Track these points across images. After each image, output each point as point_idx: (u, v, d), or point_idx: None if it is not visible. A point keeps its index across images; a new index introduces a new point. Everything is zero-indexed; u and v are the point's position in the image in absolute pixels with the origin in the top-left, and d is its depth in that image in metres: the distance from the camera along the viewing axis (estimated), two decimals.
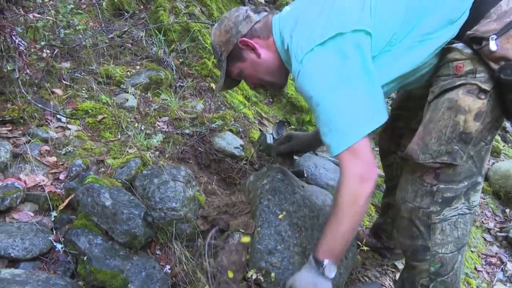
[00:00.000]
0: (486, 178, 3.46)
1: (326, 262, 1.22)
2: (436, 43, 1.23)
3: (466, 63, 1.19)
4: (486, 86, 1.17)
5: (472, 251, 2.64)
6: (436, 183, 1.27)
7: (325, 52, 1.18)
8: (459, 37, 1.21)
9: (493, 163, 3.68)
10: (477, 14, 1.18)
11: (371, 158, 1.20)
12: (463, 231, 1.32)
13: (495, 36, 1.13)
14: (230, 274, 1.34)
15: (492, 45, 1.12)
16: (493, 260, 2.65)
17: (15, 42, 1.38)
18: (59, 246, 1.24)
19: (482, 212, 3.12)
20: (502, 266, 2.58)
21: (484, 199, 3.26)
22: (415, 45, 1.23)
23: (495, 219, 3.07)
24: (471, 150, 1.23)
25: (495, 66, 1.14)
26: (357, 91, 1.19)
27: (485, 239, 2.86)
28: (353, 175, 1.18)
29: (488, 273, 2.52)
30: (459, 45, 1.20)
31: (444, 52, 1.25)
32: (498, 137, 4.24)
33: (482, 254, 2.70)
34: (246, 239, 1.40)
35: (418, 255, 1.36)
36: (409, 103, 1.59)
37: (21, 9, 1.39)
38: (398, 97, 1.73)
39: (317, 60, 1.20)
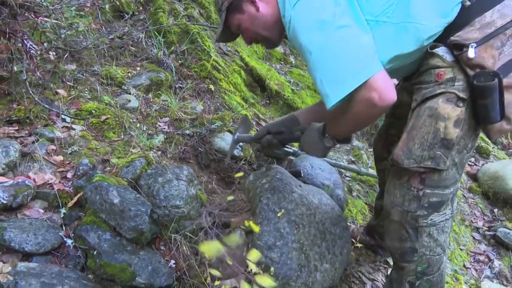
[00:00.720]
0: (476, 179, 3.56)
1: (327, 136, 1.43)
2: (423, 33, 1.25)
3: (447, 71, 1.25)
4: (463, 95, 1.23)
5: (461, 249, 2.74)
6: (422, 188, 1.33)
7: None
8: (443, 40, 1.26)
9: (483, 164, 3.79)
10: (462, 20, 1.23)
11: (385, 83, 1.18)
12: (447, 234, 1.40)
13: (475, 44, 1.19)
14: (229, 261, 1.40)
15: (471, 53, 1.19)
16: (481, 257, 2.74)
17: (26, 45, 1.44)
18: (69, 241, 1.29)
19: (472, 211, 3.22)
20: (489, 264, 2.68)
21: (473, 199, 3.36)
22: (406, 26, 1.25)
23: (483, 219, 3.17)
24: (456, 157, 1.29)
25: (471, 73, 1.21)
26: (351, 36, 1.20)
27: (474, 238, 2.96)
28: (364, 101, 1.18)
29: (476, 270, 2.61)
30: (442, 50, 1.26)
31: (427, 56, 1.30)
32: (487, 139, 4.35)
33: (471, 252, 2.79)
34: (256, 228, 1.47)
35: (406, 256, 1.43)
36: (400, 111, 1.66)
37: (32, 14, 1.44)
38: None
39: (310, 4, 1.23)
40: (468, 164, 3.81)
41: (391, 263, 2.10)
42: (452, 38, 1.23)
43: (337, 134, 1.45)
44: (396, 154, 1.35)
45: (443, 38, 1.26)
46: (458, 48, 1.23)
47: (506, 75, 1.18)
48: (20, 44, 1.45)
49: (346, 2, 1.22)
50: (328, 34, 1.20)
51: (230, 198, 1.55)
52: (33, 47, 1.46)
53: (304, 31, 1.24)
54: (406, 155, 1.32)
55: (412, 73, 1.41)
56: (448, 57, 1.25)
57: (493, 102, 1.18)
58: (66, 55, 2.12)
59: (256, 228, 1.45)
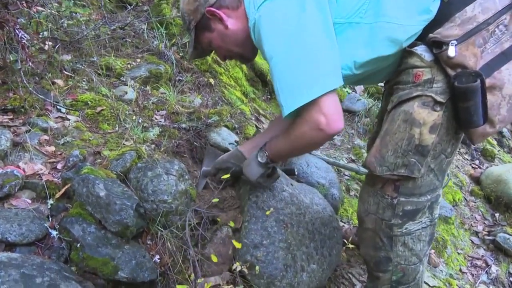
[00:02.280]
0: (478, 182, 3.51)
1: (264, 152, 1.38)
2: (400, 33, 1.17)
3: (425, 71, 1.17)
4: (441, 98, 1.16)
5: (458, 253, 2.71)
6: (396, 196, 1.28)
7: (284, 1, 1.14)
8: (422, 38, 1.19)
9: (487, 167, 3.73)
10: (442, 16, 1.15)
11: (335, 110, 1.12)
12: (424, 242, 1.34)
13: (455, 42, 1.11)
14: (214, 259, 1.40)
15: (451, 51, 1.11)
16: (479, 262, 2.71)
17: (18, 35, 1.43)
18: (54, 233, 1.30)
19: (472, 215, 3.18)
20: (487, 269, 2.64)
21: (474, 202, 3.32)
22: (380, 26, 1.17)
23: (484, 223, 3.13)
24: (432, 163, 1.23)
25: (452, 73, 1.13)
26: (313, 46, 1.13)
27: (472, 242, 2.92)
28: (311, 122, 1.12)
29: (472, 275, 2.58)
30: (421, 48, 1.18)
31: (406, 55, 1.22)
32: (494, 142, 4.28)
33: (469, 256, 2.76)
34: (232, 224, 1.49)
35: (380, 266, 1.39)
36: None
37: (24, 3, 1.43)
38: (381, 107, 1.72)
39: (275, 8, 1.15)
40: (472, 167, 3.75)
41: None
42: (431, 35, 1.15)
43: (274, 152, 1.36)
44: (368, 161, 1.30)
45: (423, 36, 1.18)
46: (437, 46, 1.15)
47: (489, 75, 1.10)
48: (12, 33, 1.44)
49: (314, 7, 1.14)
50: (289, 41, 1.13)
51: (215, 200, 1.54)
52: (24, 36, 1.45)
53: (266, 36, 1.17)
54: (379, 162, 1.26)
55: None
56: (427, 56, 1.17)
57: (475, 105, 1.10)
58: (59, 45, 2.11)
59: (232, 224, 1.45)
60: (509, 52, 1.12)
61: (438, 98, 1.16)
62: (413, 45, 1.20)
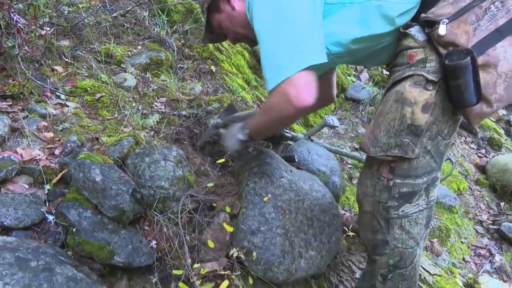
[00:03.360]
0: (484, 171, 3.47)
1: (244, 130, 1.43)
2: (391, 11, 1.18)
3: (419, 51, 1.17)
4: (434, 77, 1.15)
5: (462, 242, 2.68)
6: (392, 178, 1.27)
7: None
8: (416, 19, 1.19)
9: (493, 156, 3.68)
10: None
11: (306, 83, 1.12)
12: (421, 226, 1.33)
13: (446, 21, 1.10)
14: (211, 244, 1.40)
15: (441, 29, 1.10)
16: (482, 251, 2.69)
17: (13, 19, 1.42)
18: (50, 218, 1.30)
19: (477, 204, 3.14)
20: (490, 258, 2.62)
21: (480, 191, 3.28)
22: (371, 5, 1.19)
23: (488, 212, 3.09)
24: (428, 144, 1.22)
25: (443, 51, 1.12)
26: (299, 25, 1.15)
27: (476, 231, 2.89)
28: (281, 93, 1.14)
29: (476, 264, 2.56)
30: (415, 29, 1.18)
31: (401, 37, 1.23)
32: (501, 131, 4.21)
33: (472, 245, 2.73)
34: (228, 209, 1.51)
35: (377, 249, 1.38)
36: None
37: None
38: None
39: None
40: (478, 156, 3.70)
41: None
42: (423, 15, 1.15)
43: (253, 129, 1.40)
44: (363, 142, 1.31)
45: (415, 18, 1.18)
46: (429, 26, 1.14)
47: (483, 52, 1.08)
48: (8, 18, 1.43)
49: None
50: (275, 19, 1.15)
51: (210, 184, 1.53)
52: (20, 20, 1.44)
53: (256, 14, 1.20)
54: (372, 143, 1.27)
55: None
56: (420, 37, 1.17)
57: (465, 82, 1.08)
58: (55, 28, 2.09)
59: (229, 210, 1.44)
60: (504, 29, 1.09)
61: (430, 77, 1.15)
62: (407, 26, 1.20)
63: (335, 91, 1.79)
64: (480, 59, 1.08)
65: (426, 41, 1.16)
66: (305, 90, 1.11)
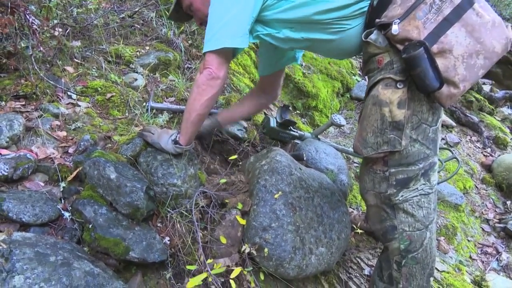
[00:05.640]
0: (490, 170, 3.47)
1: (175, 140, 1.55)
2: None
3: (384, 55, 1.29)
4: (400, 76, 1.26)
5: (468, 240, 2.69)
6: (387, 169, 1.37)
7: None
8: (372, 25, 1.31)
9: (499, 155, 3.68)
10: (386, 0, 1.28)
11: (220, 64, 1.38)
12: (427, 209, 1.40)
13: (398, 21, 1.22)
14: (223, 240, 1.42)
15: (394, 29, 1.21)
16: (489, 250, 2.69)
17: (28, 20, 1.45)
18: (66, 214, 1.32)
19: (483, 203, 3.15)
20: (497, 256, 2.63)
21: (486, 190, 3.28)
22: None
23: (495, 210, 3.10)
24: (413, 134, 1.31)
25: (401, 48, 1.22)
26: (233, 8, 1.34)
27: (483, 229, 2.90)
28: (206, 73, 1.39)
29: (482, 262, 2.57)
30: (374, 36, 1.29)
31: (366, 45, 1.34)
32: (506, 130, 4.22)
33: (479, 243, 2.74)
34: (240, 205, 1.54)
35: (388, 235, 1.46)
36: None
37: None
38: None
39: None
40: (483, 155, 3.71)
41: None
42: (377, 20, 1.28)
43: (187, 111, 1.50)
44: (355, 146, 1.42)
45: (370, 25, 1.32)
46: (384, 28, 1.26)
47: (436, 41, 1.19)
48: (23, 20, 1.46)
49: None
50: (216, 3, 1.37)
51: (223, 180, 1.56)
52: (35, 21, 1.47)
53: None
54: (362, 145, 1.37)
55: (353, 54, 1.51)
56: (382, 42, 1.28)
57: (423, 70, 1.18)
58: (73, 32, 2.12)
59: (240, 206, 1.47)
60: (451, 17, 1.19)
61: (397, 77, 1.27)
62: (367, 34, 1.31)
63: (280, 90, 1.98)
64: (435, 47, 1.19)
65: (388, 45, 1.28)
66: (211, 68, 1.37)
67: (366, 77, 1.47)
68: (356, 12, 1.35)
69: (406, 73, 1.25)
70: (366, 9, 1.35)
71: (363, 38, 1.33)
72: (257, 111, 2.12)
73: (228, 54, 1.42)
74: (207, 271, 1.30)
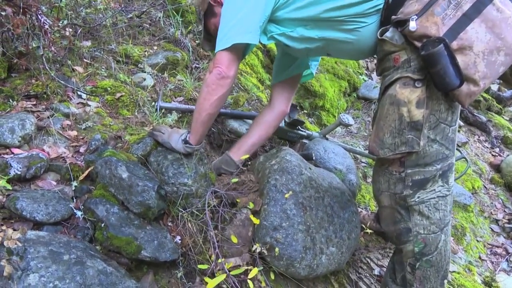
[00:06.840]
0: (499, 170, 3.45)
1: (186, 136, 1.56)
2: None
3: (401, 53, 1.26)
4: (419, 75, 1.23)
5: (478, 241, 2.67)
6: (403, 170, 1.34)
7: None
8: (388, 22, 1.29)
9: (508, 155, 3.65)
10: None
11: (230, 64, 1.41)
12: (444, 212, 1.37)
13: (415, 17, 1.19)
14: (234, 240, 1.42)
15: (411, 25, 1.18)
16: (499, 250, 2.67)
17: (40, 21, 1.46)
18: (79, 213, 1.33)
19: (492, 203, 3.13)
20: (507, 257, 2.61)
21: (495, 190, 3.26)
22: None
23: (504, 211, 3.07)
24: (430, 134, 1.28)
25: (419, 45, 1.19)
26: (243, 8, 1.37)
27: (492, 230, 2.88)
28: (215, 72, 1.42)
29: (492, 262, 2.55)
30: (390, 33, 1.26)
31: (381, 43, 1.31)
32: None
33: (488, 244, 2.72)
34: (252, 205, 1.53)
35: (402, 237, 1.43)
36: None
37: None
38: None
39: None
40: (492, 155, 3.68)
41: None
42: (393, 17, 1.25)
43: (196, 110, 1.52)
44: (371, 147, 1.38)
45: (387, 21, 1.29)
46: (401, 25, 1.23)
47: (455, 37, 1.16)
48: (35, 20, 1.47)
49: None
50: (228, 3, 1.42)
51: (234, 180, 1.56)
52: (47, 22, 1.48)
53: None
54: (379, 146, 1.34)
55: (369, 54, 1.49)
56: (398, 39, 1.25)
57: (443, 68, 1.15)
58: (79, 31, 2.13)
59: (251, 206, 1.46)
60: (470, 13, 1.16)
61: (415, 76, 1.23)
62: (383, 32, 1.29)
63: (288, 106, 1.92)
64: (454, 44, 1.16)
65: (405, 43, 1.24)
66: (222, 66, 1.41)
67: (380, 75, 1.43)
68: (371, 9, 1.34)
69: (425, 71, 1.22)
70: (381, 6, 1.33)
71: (378, 36, 1.30)
72: (266, 134, 1.91)
73: (238, 52, 1.42)
74: (226, 272, 1.30)
